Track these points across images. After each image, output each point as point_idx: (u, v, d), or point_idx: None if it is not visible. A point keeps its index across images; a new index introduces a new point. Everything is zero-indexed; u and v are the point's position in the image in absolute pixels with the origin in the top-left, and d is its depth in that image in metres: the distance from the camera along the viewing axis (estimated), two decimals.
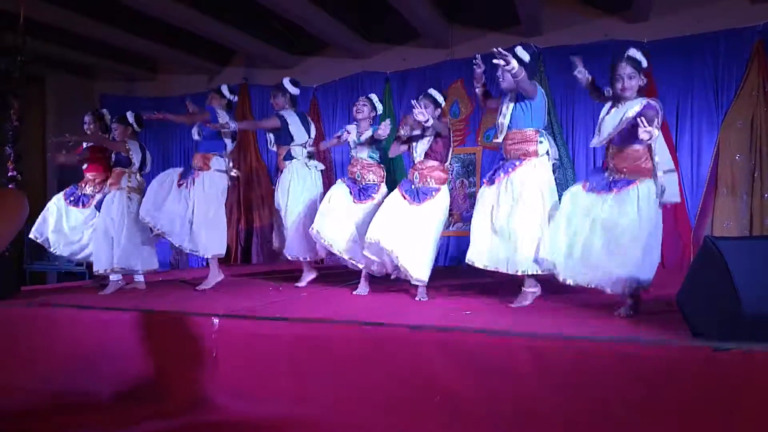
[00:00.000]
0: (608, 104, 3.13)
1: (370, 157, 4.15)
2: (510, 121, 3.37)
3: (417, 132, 3.79)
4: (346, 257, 4.01)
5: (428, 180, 3.76)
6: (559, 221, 3.12)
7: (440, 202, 3.75)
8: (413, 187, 3.79)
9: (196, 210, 4.28)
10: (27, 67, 4.84)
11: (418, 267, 3.61)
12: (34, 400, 3.06)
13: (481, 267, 3.40)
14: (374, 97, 4.26)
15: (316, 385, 2.75)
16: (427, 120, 3.52)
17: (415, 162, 3.82)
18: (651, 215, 2.96)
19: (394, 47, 6.40)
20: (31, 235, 4.55)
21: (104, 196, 4.47)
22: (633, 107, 2.93)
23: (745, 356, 2.09)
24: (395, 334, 2.70)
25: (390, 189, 4.13)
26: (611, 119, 3.04)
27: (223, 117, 4.31)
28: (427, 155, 3.77)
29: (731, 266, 2.15)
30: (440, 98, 3.83)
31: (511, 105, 3.38)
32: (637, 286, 2.94)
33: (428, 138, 3.78)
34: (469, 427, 2.44)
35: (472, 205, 5.76)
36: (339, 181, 4.24)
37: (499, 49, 3.03)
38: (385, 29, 6.28)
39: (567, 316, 3.11)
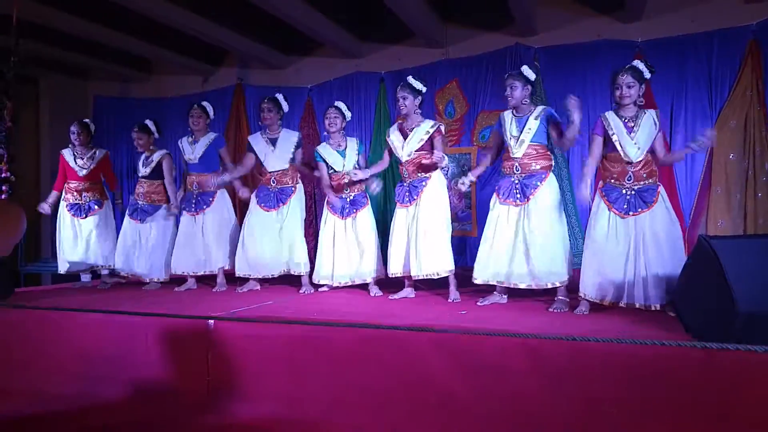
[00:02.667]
0: (620, 123, 3.17)
1: (356, 167, 4.16)
2: (533, 136, 3.43)
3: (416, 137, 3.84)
4: (358, 282, 4.12)
5: (418, 173, 3.78)
6: (604, 251, 3.13)
7: (434, 189, 3.77)
8: (405, 185, 3.82)
9: (211, 229, 4.54)
10: (20, 68, 4.83)
11: (439, 262, 3.69)
12: (33, 403, 3.05)
13: (522, 286, 3.42)
14: (341, 105, 4.26)
15: (313, 386, 2.75)
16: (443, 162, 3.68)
17: (402, 161, 3.87)
18: (675, 217, 3.12)
19: (389, 47, 6.39)
20: (62, 272, 4.78)
21: (139, 208, 4.70)
22: (647, 121, 3.13)
23: (739, 354, 2.11)
24: (391, 333, 2.70)
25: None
26: (644, 131, 3.12)
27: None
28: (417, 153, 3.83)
29: (725, 265, 2.16)
30: (419, 85, 3.83)
31: (536, 122, 3.42)
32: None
33: (418, 141, 3.80)
34: (465, 427, 2.45)
35: (468, 205, 5.84)
36: (324, 210, 4.25)
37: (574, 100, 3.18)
38: (379, 29, 6.28)
39: (562, 315, 3.12)
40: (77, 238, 4.74)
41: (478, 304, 3.49)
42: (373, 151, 6.16)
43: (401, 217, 3.82)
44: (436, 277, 3.70)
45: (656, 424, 2.19)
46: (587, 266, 3.19)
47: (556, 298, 3.35)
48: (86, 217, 4.74)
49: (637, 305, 3.04)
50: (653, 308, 3.00)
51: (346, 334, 2.78)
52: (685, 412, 2.16)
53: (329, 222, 4.18)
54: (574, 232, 5.55)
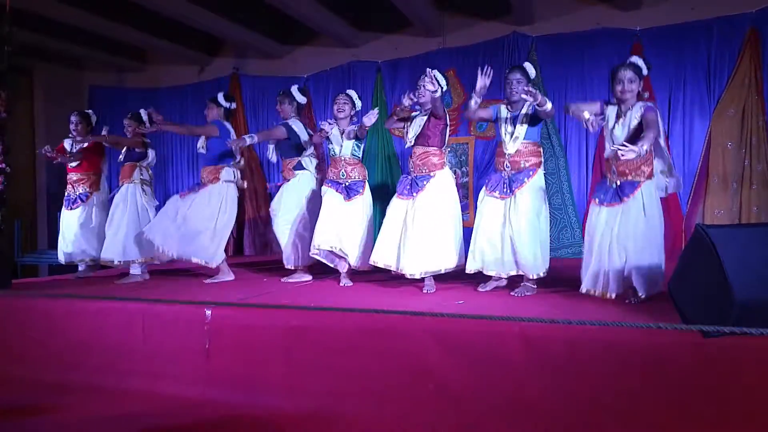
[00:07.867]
0: (612, 116, 3.19)
1: (353, 155, 4.07)
2: (526, 134, 3.47)
3: (415, 113, 3.78)
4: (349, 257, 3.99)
5: (422, 168, 3.74)
6: (588, 240, 3.21)
7: (437, 187, 3.69)
8: (409, 177, 3.78)
9: (196, 217, 4.25)
10: (14, 58, 4.78)
11: (422, 261, 3.62)
12: (29, 393, 3.06)
13: (490, 273, 3.54)
14: (353, 93, 4.20)
15: (310, 376, 2.75)
16: (435, 91, 3.54)
17: (409, 147, 3.84)
18: (655, 215, 3.10)
19: (386, 36, 6.35)
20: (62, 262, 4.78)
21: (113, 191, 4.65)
22: (635, 114, 3.09)
23: (735, 342, 2.11)
24: (388, 323, 2.70)
25: (371, 188, 4.15)
26: (620, 129, 3.14)
27: (232, 133, 4.44)
28: (419, 139, 3.73)
29: (722, 254, 2.15)
30: (443, 81, 3.74)
31: (527, 118, 3.48)
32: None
33: (421, 120, 3.73)
34: (463, 416, 2.46)
35: (465, 195, 5.82)
36: (324, 187, 4.12)
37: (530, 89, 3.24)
38: (376, 18, 6.24)
39: (558, 306, 3.12)
40: (67, 230, 4.74)
41: (479, 290, 3.55)
42: (369, 140, 6.15)
43: (399, 208, 3.78)
44: (434, 273, 3.68)
45: (651, 411, 2.20)
46: (585, 259, 3.24)
47: (522, 284, 3.47)
48: (71, 209, 4.73)
49: (598, 292, 3.09)
50: (612, 297, 3.04)
51: (342, 323, 2.78)
52: (680, 397, 2.17)
53: (328, 196, 4.05)
54: (572, 222, 5.56)
